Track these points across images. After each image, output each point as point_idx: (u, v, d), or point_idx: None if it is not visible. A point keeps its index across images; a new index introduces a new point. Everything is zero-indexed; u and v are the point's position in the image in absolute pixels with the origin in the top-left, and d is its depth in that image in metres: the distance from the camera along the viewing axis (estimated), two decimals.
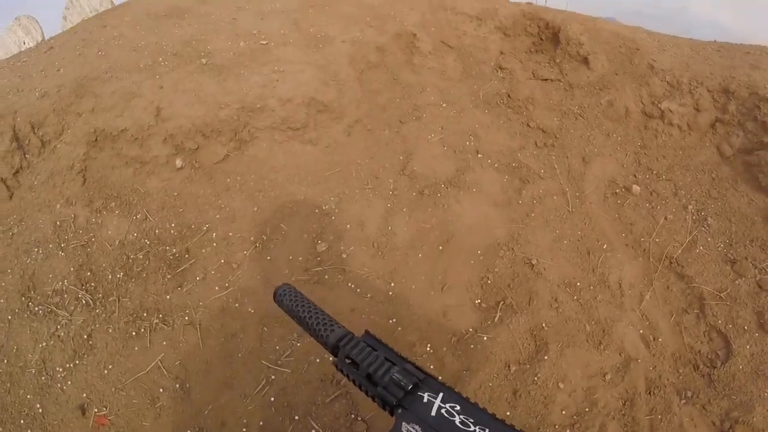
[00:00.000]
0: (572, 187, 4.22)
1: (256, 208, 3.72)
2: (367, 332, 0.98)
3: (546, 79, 5.06)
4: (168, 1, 5.81)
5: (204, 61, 4.39)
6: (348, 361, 0.90)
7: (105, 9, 10.82)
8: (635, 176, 4.29)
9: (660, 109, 4.51)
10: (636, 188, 4.15)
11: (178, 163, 3.78)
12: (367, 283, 3.47)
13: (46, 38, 13.74)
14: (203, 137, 3.84)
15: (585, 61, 4.95)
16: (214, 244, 3.54)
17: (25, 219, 3.75)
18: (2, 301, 3.34)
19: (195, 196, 3.73)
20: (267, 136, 4.04)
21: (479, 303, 3.43)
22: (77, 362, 3.08)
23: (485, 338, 3.20)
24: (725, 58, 4.73)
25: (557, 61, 5.10)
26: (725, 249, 3.71)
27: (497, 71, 5.24)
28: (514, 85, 5.06)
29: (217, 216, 3.67)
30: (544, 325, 3.29)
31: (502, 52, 5.35)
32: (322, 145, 4.23)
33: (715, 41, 5.19)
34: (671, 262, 3.70)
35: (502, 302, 3.41)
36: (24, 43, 13.40)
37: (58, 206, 3.70)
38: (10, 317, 3.28)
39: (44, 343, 3.14)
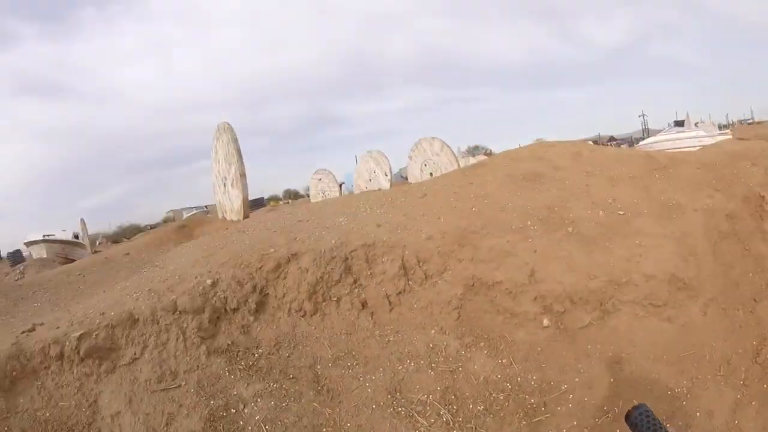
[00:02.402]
0: None
1: (612, 379, 4.31)
2: None
3: None
4: (524, 165, 7.31)
5: (570, 230, 5.45)
6: None
7: (444, 153, 13.70)
8: None
9: None
10: None
11: (545, 322, 4.72)
12: None
13: (393, 169, 17.68)
14: (571, 303, 4.73)
15: None
16: (570, 405, 4.20)
17: (401, 332, 5.10)
18: (370, 390, 4.56)
19: (557, 355, 4.54)
20: (629, 310, 4.70)
21: None
22: None
23: None
24: None
25: None
26: None
27: None
28: None
29: (576, 379, 4.35)
30: None
31: None
32: (679, 324, 4.66)
33: None
34: None
35: None
36: (374, 172, 17.56)
37: (433, 332, 4.97)
38: (374, 406, 4.45)
39: None
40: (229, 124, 13.20)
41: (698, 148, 15.70)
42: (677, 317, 4.73)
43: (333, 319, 5.44)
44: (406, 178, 18.53)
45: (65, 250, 24.55)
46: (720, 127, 36.15)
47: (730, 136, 17.74)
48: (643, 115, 54.57)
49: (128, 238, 41.47)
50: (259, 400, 4.57)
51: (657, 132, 33.65)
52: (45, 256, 23.03)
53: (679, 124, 29.02)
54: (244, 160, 12.72)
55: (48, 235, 24.59)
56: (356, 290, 5.52)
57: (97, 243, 27.18)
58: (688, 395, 4.24)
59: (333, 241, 5.87)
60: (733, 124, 51.57)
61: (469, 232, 5.59)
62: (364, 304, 5.45)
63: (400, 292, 5.36)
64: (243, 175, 12.53)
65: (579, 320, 4.71)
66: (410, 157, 15.04)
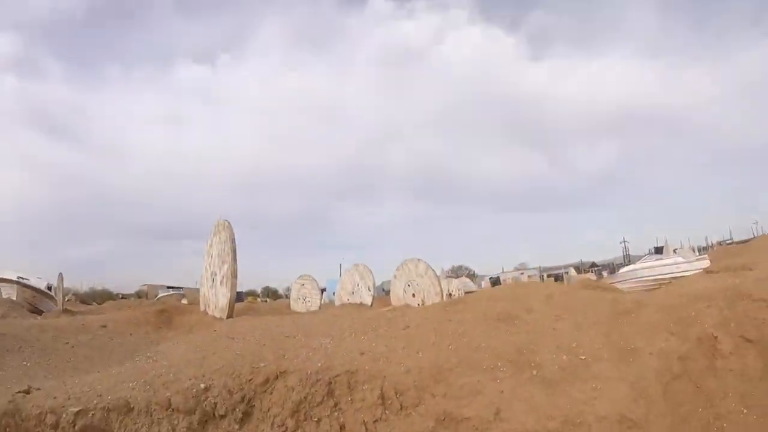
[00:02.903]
0: None
1: None
2: None
3: None
4: (500, 306, 8.04)
5: (535, 372, 6.07)
6: None
7: (428, 275, 14.55)
8: None
9: None
10: None
11: None
12: None
13: (377, 282, 18.41)
14: None
15: None
16: None
17: None
18: None
19: None
20: None
21: None
22: None
23: None
24: None
25: None
26: None
27: None
28: None
29: None
30: None
31: None
32: None
33: None
34: None
35: None
36: (358, 285, 18.32)
37: None
38: None
39: None
40: (229, 222, 14.01)
41: (677, 274, 16.61)
42: None
43: None
44: (389, 292, 19.22)
45: (35, 299, 24.10)
46: (700, 251, 37.54)
47: (708, 262, 18.60)
48: (624, 241, 56.44)
49: (98, 303, 41.17)
50: None
51: (638, 258, 34.88)
52: (14, 298, 22.52)
53: (659, 250, 30.11)
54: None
55: (22, 278, 24.24)
56: (336, 413, 6.08)
57: (65, 299, 26.90)
58: None
59: (319, 364, 6.51)
60: (712, 246, 53.14)
61: (444, 369, 6.25)
62: (342, 428, 5.98)
63: (376, 420, 5.92)
64: (234, 276, 13.19)
65: None
66: (395, 276, 15.84)
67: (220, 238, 14.15)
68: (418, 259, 15.35)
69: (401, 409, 5.96)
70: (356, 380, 6.27)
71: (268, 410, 6.13)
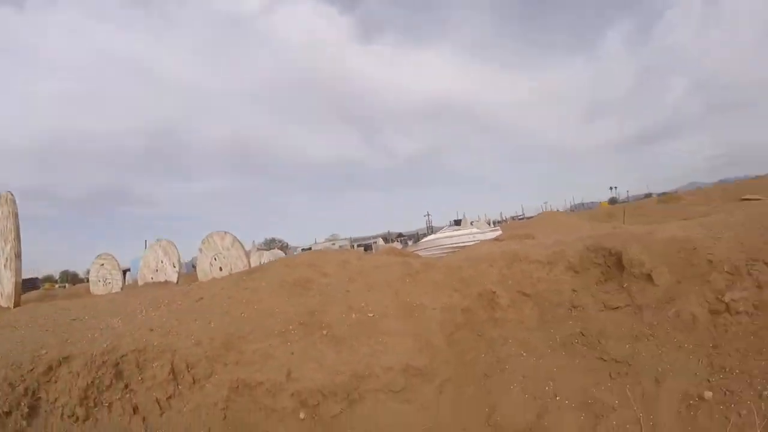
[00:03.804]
0: (646, 412, 5.25)
1: None
2: None
3: (616, 308, 6.40)
4: (297, 272, 8.35)
5: (325, 332, 6.52)
6: None
7: (234, 248, 14.27)
8: (708, 381, 5.20)
9: (725, 302, 5.49)
10: (708, 394, 4.99)
11: (302, 414, 5.62)
12: None
13: (182, 260, 17.39)
14: (322, 396, 5.71)
15: (649, 278, 6.26)
16: None
17: None
18: None
19: None
20: (372, 396, 5.80)
21: None
22: None
23: None
24: None
25: (624, 285, 6.54)
26: None
27: (571, 311, 6.77)
28: (587, 322, 6.47)
29: None
30: None
31: (574, 290, 6.98)
32: (417, 404, 5.83)
33: None
34: None
35: None
36: (162, 262, 17.17)
37: None
38: None
39: None
40: (12, 195, 12.16)
41: (472, 242, 18.46)
42: (415, 399, 5.90)
43: (105, 425, 5.83)
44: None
45: None
46: (494, 224, 42.42)
47: (500, 232, 21.11)
48: (428, 215, 61.48)
49: None
50: None
51: (439, 229, 38.20)
52: None
53: (458, 222, 33.72)
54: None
55: None
56: (128, 395, 5.98)
57: None
58: None
59: (105, 345, 6.35)
60: (506, 220, 60.62)
61: (236, 337, 6.43)
62: (135, 409, 5.91)
63: (169, 397, 5.94)
64: (18, 257, 11.74)
65: (330, 410, 5.72)
66: (200, 250, 15.37)
67: (2, 212, 12.35)
68: (225, 232, 15.03)
69: (194, 382, 6.04)
70: (145, 358, 6.21)
71: (55, 401, 5.92)
